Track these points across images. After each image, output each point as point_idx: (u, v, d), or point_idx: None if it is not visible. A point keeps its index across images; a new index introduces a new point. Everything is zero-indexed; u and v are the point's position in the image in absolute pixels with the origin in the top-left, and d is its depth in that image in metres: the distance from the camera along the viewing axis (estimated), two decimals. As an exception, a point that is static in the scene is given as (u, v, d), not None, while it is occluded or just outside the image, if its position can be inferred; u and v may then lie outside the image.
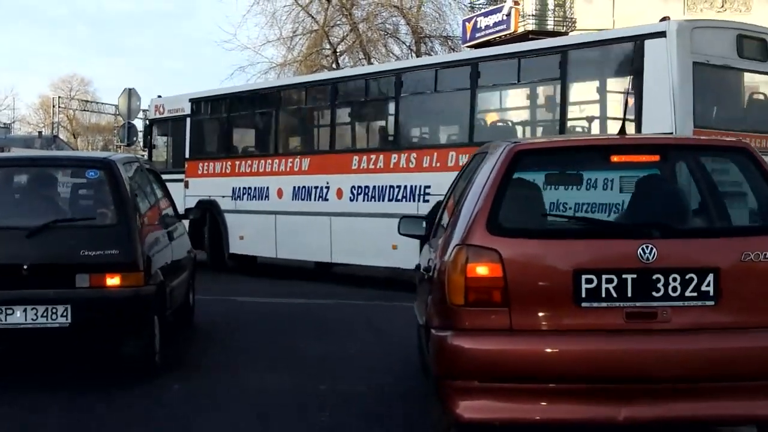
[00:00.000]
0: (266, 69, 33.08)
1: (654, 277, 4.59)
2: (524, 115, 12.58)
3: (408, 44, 33.97)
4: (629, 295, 4.60)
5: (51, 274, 6.76)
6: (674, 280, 4.57)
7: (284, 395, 6.74)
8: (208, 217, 15.86)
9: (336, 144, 14.13)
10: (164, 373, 7.36)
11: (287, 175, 14.47)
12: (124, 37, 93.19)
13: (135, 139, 25.32)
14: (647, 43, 10.24)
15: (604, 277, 4.60)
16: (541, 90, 12.23)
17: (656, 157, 5.09)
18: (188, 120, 16.61)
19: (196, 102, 16.69)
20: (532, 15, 23.82)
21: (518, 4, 23.52)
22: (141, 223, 7.24)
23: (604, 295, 4.59)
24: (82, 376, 7.45)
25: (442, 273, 4.91)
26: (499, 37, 24.30)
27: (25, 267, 6.71)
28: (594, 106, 11.25)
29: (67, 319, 6.70)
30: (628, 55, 10.52)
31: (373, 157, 13.20)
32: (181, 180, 16.17)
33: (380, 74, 14.28)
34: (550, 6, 23.95)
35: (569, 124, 11.13)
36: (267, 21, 33.80)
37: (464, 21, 26.32)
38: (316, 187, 13.85)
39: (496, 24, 24.13)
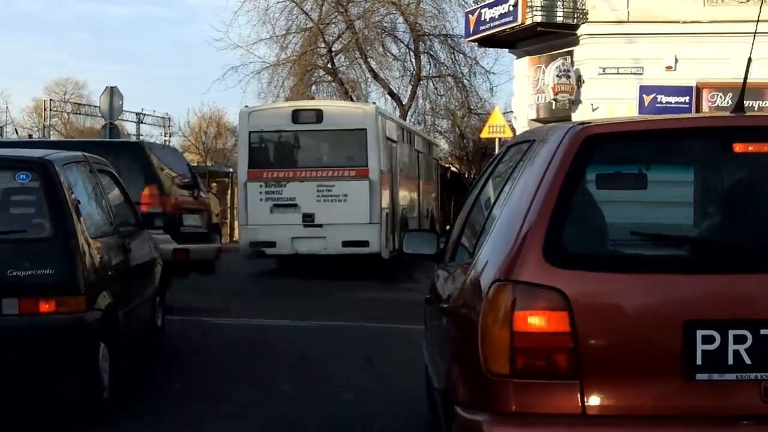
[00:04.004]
0: (259, 69, 31.65)
1: None
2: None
3: (406, 43, 32.64)
4: None
5: None
6: None
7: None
8: None
9: None
10: (115, 414, 6.24)
11: None
12: (122, 42, 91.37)
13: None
14: (239, 117, 18.07)
15: (731, 333, 3.07)
16: None
17: None
18: None
19: None
20: (540, 6, 22.21)
21: (525, -7, 21.91)
22: (85, 235, 6.21)
23: (731, 362, 3.07)
24: (10, 423, 6.20)
25: (472, 321, 3.26)
26: (504, 30, 22.78)
27: None
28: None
29: None
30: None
31: None
32: None
33: None
34: (560, -4, 22.36)
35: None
36: (259, 18, 32.14)
37: (467, 13, 24.72)
38: None
39: (501, 16, 22.53)
